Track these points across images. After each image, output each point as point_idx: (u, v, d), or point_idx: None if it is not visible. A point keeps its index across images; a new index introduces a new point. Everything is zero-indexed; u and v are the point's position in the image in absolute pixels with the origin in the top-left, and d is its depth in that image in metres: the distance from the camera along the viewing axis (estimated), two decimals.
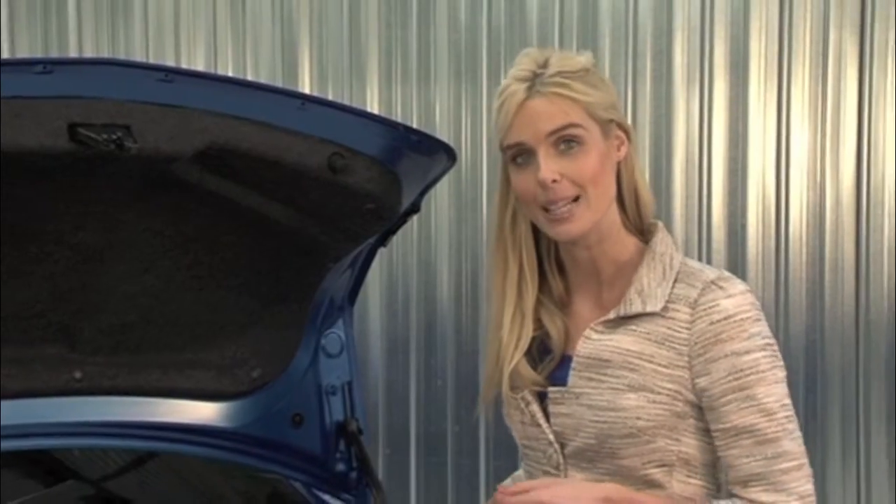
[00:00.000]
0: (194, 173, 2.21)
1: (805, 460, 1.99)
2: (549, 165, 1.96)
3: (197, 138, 2.14)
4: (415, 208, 2.49)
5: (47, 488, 3.05)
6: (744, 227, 4.98)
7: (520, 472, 2.33)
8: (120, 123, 2.04)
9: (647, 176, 4.86)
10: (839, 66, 4.90)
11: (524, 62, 2.02)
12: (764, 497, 1.96)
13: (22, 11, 5.38)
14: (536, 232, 2.11)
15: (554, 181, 1.96)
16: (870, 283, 4.91)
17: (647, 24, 5.02)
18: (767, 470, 1.96)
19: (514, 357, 2.09)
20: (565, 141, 1.97)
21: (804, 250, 4.95)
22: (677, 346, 1.99)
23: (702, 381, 1.98)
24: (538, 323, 2.13)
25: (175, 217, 2.35)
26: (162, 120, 2.08)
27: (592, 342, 2.05)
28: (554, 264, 2.14)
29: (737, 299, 1.98)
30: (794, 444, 1.98)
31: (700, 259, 4.74)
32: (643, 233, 2.11)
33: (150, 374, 2.59)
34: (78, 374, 2.53)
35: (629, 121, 4.77)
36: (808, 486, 1.98)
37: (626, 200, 2.09)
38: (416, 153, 2.34)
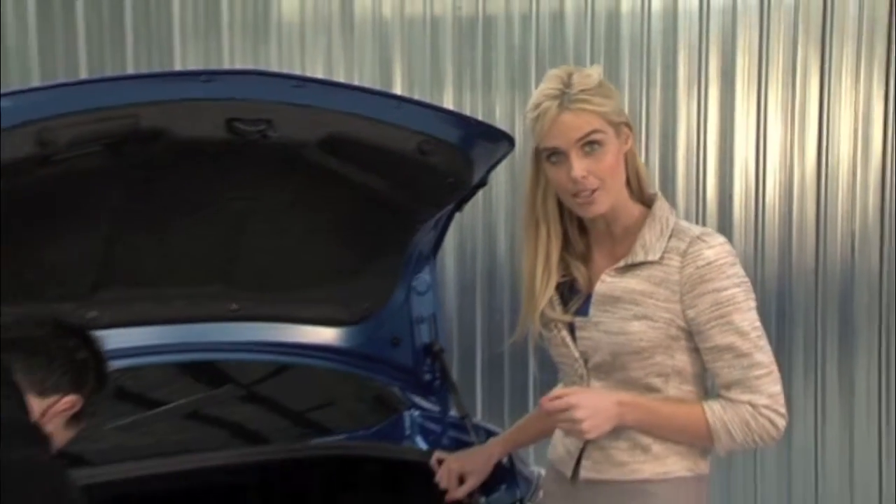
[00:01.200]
0: (318, 156, 2.21)
1: (774, 368, 1.96)
2: (579, 165, 1.93)
3: (320, 130, 2.13)
4: (483, 183, 2.46)
5: (212, 390, 3.11)
6: (731, 198, 4.96)
7: (561, 385, 2.33)
8: (264, 118, 2.04)
9: (655, 160, 4.92)
10: (805, 77, 4.86)
11: (551, 82, 1.96)
12: (742, 397, 1.95)
13: (189, 34, 5.43)
14: (561, 206, 2.09)
15: (583, 177, 1.94)
16: (826, 241, 4.89)
17: (657, 45, 4.99)
18: (744, 376, 1.94)
19: (541, 301, 2.08)
20: (589, 143, 1.94)
21: (777, 216, 4.94)
22: (671, 286, 1.96)
23: (690, 312, 1.95)
24: (567, 271, 2.11)
25: (304, 189, 2.35)
26: (294, 116, 2.08)
27: (607, 284, 2.03)
28: (576, 228, 2.11)
29: (716, 249, 1.95)
30: (764, 356, 1.96)
31: (697, 222, 4.73)
32: (645, 201, 2.08)
33: (287, 306, 2.61)
34: (234, 306, 2.55)
35: (644, 119, 4.88)
36: (777, 388, 1.96)
37: (630, 178, 2.05)
38: (484, 140, 2.32)
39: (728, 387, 1.97)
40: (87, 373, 1.90)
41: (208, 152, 2.09)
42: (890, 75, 4.77)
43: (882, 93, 4.79)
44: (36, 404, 1.79)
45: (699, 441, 2.02)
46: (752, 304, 1.97)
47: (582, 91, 1.94)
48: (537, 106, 1.96)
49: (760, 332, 1.97)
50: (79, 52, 5.46)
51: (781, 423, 1.96)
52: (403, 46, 5.24)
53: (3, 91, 1.99)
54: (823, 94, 4.84)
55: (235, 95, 2.02)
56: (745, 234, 4.88)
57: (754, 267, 4.80)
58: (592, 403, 1.93)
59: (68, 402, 1.85)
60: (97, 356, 1.94)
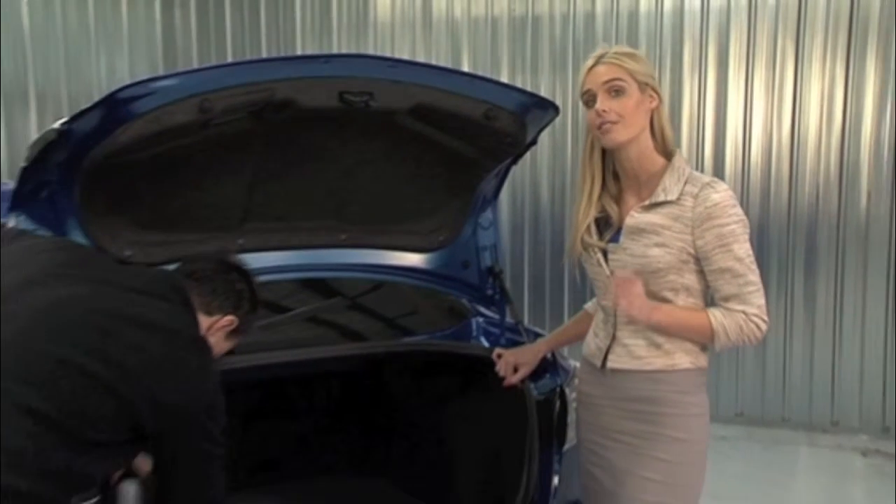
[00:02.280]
0: (408, 121, 2.18)
1: (760, 286, 1.96)
2: (603, 102, 1.95)
3: (410, 100, 2.10)
4: (533, 142, 2.39)
5: (325, 300, 3.13)
6: (723, 158, 4.93)
7: (592, 302, 2.31)
8: (367, 91, 2.01)
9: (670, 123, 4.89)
10: (783, 63, 4.81)
11: (597, 51, 2.01)
12: (737, 307, 1.94)
13: (308, 31, 5.48)
14: (604, 158, 2.07)
15: (604, 111, 1.94)
16: (798, 191, 4.86)
17: (667, 37, 4.97)
18: (740, 292, 1.93)
19: (582, 227, 2.06)
20: (614, 90, 1.95)
21: (759, 171, 4.89)
22: (685, 221, 1.94)
23: (699, 242, 1.93)
24: (603, 209, 2.08)
25: (397, 146, 2.32)
26: (390, 89, 2.04)
27: (634, 218, 2.00)
28: (613, 176, 2.09)
29: (721, 194, 1.93)
30: (755, 277, 1.95)
31: None
32: (667, 154, 2.04)
33: (384, 236, 2.58)
34: (343, 236, 2.53)
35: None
36: (762, 301, 1.96)
37: (656, 134, 2.02)
38: (535, 108, 2.26)
39: (727, 299, 1.95)
40: (244, 299, 1.92)
41: (325, 118, 2.07)
42: (850, 63, 4.71)
43: (843, 76, 4.75)
44: (204, 321, 1.82)
45: (703, 339, 2.01)
46: (747, 236, 1.96)
47: (615, 53, 1.98)
48: (583, 65, 2.01)
49: (752, 258, 1.95)
50: (227, 44, 5.59)
51: (765, 327, 1.96)
52: (469, 39, 5.27)
53: (174, 71, 2.00)
54: (797, 76, 4.80)
55: (346, 74, 1.99)
56: (734, 185, 4.84)
57: None
58: (641, 294, 1.92)
59: (228, 320, 1.88)
60: (251, 287, 1.96)
